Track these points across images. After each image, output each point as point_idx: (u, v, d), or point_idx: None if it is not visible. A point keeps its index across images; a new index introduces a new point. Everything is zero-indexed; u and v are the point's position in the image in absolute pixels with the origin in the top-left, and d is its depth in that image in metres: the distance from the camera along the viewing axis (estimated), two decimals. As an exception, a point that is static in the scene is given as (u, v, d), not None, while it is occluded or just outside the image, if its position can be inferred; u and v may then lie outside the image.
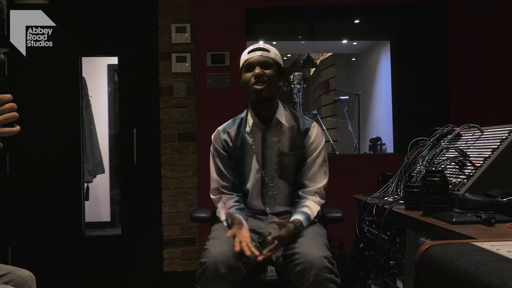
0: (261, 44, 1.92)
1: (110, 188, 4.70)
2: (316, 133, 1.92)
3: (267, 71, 1.84)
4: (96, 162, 4.32)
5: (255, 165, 1.90)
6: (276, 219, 1.76)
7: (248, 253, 1.57)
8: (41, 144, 3.18)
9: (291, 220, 1.75)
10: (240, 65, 1.91)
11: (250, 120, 1.92)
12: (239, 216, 1.75)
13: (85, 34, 3.26)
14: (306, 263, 1.55)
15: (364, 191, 2.09)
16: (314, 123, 1.96)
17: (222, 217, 1.84)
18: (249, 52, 1.88)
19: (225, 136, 1.93)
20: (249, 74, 1.85)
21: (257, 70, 1.82)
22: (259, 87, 1.82)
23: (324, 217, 1.93)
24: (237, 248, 1.58)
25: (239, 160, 1.92)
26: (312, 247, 1.60)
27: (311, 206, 1.82)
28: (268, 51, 1.87)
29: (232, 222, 1.72)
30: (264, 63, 1.84)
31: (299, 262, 1.57)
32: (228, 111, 2.21)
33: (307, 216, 1.77)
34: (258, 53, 1.85)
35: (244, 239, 1.61)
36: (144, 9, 3.23)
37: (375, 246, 1.83)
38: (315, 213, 1.81)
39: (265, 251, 1.62)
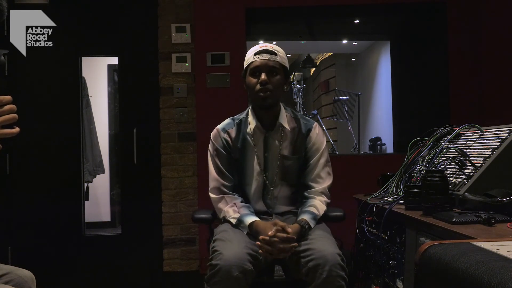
0: (268, 45, 1.83)
1: (110, 188, 4.70)
2: (317, 134, 1.90)
3: (273, 79, 1.78)
4: (96, 162, 4.32)
5: (256, 168, 1.88)
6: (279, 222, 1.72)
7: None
8: (41, 144, 3.17)
9: (297, 220, 1.75)
10: (245, 65, 1.85)
11: (251, 123, 1.88)
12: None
13: (85, 34, 3.26)
14: (320, 258, 1.54)
15: (364, 191, 2.10)
16: (315, 124, 1.94)
17: (232, 214, 1.79)
18: (255, 54, 1.80)
19: (225, 136, 1.89)
20: (254, 80, 1.79)
21: (263, 77, 1.77)
22: (264, 95, 1.78)
23: (325, 216, 1.93)
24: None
25: (239, 161, 1.89)
26: (325, 244, 1.61)
27: (318, 205, 1.80)
28: (276, 54, 1.80)
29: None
30: (271, 69, 1.78)
31: (313, 257, 1.56)
32: (228, 111, 2.20)
33: (314, 216, 1.76)
34: (265, 56, 1.78)
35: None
36: (144, 9, 3.22)
37: (375, 246, 1.83)
38: (322, 212, 1.80)
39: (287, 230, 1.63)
